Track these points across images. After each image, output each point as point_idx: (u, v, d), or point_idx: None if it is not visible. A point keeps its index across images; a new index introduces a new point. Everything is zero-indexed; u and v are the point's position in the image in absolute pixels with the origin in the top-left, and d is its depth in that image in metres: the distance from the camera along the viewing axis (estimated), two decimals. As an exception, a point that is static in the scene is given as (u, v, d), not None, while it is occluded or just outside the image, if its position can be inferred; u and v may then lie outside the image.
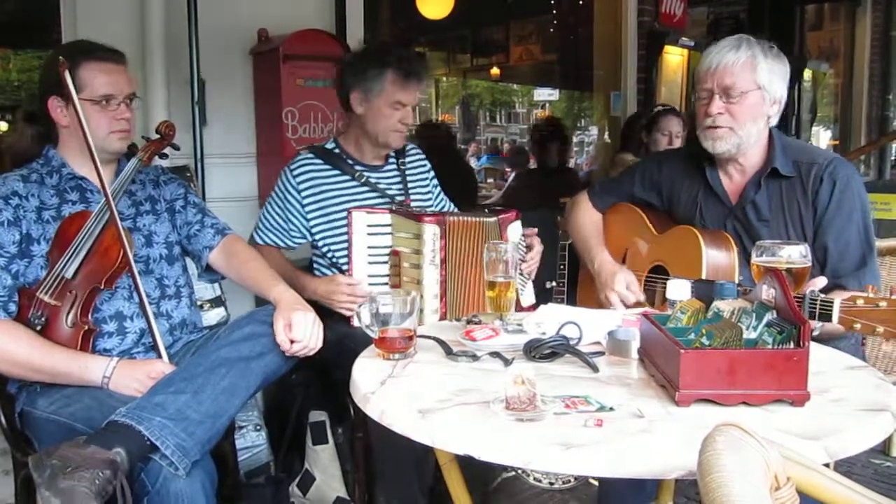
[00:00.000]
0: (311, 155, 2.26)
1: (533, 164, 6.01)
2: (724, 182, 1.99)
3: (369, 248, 2.08)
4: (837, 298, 1.42)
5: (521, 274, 2.20)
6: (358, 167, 2.26)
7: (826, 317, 1.43)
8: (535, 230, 2.26)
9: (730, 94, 1.83)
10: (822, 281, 1.60)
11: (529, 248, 2.23)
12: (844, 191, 1.84)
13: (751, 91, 1.83)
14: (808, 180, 1.87)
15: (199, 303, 2.08)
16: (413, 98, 2.23)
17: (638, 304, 1.98)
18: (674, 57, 5.32)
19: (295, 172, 2.22)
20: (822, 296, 1.45)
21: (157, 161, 1.99)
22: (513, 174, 6.33)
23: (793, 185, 1.89)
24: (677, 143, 3.57)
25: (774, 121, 1.91)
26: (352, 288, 2.06)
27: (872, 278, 1.83)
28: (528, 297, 2.24)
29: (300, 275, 2.19)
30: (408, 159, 2.37)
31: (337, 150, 2.28)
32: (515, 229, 2.17)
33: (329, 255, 2.21)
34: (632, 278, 2.03)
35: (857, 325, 1.38)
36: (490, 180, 8.34)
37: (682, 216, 2.07)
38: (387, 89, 2.16)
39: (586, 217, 2.26)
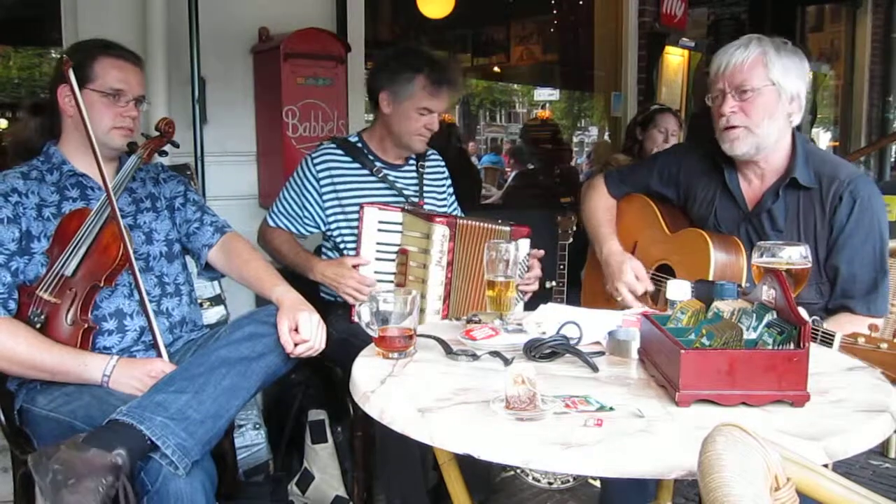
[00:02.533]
0: (333, 145, 2.28)
1: (532, 165, 6.01)
2: (743, 186, 1.95)
3: (378, 243, 2.09)
4: (839, 333, 1.40)
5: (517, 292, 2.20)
6: (378, 163, 2.28)
7: (826, 346, 1.43)
8: (542, 252, 2.25)
9: (742, 91, 1.80)
10: None
11: (530, 268, 2.21)
12: (864, 212, 1.79)
13: (764, 87, 1.79)
14: (827, 195, 1.82)
15: (198, 301, 2.08)
16: (441, 106, 2.23)
17: (645, 298, 1.98)
18: (674, 57, 5.30)
19: (316, 161, 2.24)
20: (824, 326, 1.44)
21: (158, 158, 2.00)
22: (512, 174, 6.33)
23: (811, 198, 1.85)
24: (672, 142, 3.56)
25: (797, 119, 1.85)
26: (361, 276, 2.06)
27: (882, 303, 1.81)
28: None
29: (308, 256, 2.21)
30: (427, 163, 2.39)
31: (360, 145, 2.30)
32: (523, 246, 2.16)
33: (341, 245, 2.23)
34: (639, 267, 2.01)
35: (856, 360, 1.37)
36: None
37: (696, 215, 2.04)
38: (416, 94, 2.17)
39: (601, 202, 2.23)
